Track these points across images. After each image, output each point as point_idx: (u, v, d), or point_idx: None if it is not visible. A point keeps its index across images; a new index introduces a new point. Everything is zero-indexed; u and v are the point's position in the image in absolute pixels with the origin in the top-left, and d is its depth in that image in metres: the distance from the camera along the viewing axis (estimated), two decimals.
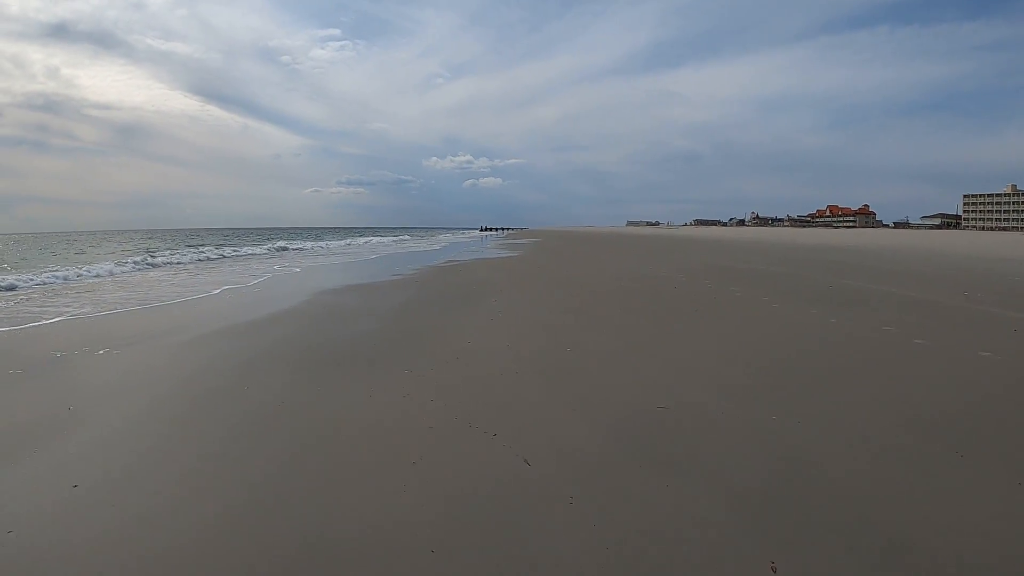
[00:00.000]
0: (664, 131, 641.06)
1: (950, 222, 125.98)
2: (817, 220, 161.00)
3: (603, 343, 6.95)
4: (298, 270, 20.56)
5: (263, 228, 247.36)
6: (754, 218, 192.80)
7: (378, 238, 62.48)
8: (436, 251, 34.88)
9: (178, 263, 22.97)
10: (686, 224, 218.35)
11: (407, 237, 72.94)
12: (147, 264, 21.26)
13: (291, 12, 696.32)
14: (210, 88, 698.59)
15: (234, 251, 30.12)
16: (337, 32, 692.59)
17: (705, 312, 9.17)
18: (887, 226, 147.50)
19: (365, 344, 7.16)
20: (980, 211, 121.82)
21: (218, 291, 13.60)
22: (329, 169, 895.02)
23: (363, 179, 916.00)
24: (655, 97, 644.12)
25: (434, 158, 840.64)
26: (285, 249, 32.54)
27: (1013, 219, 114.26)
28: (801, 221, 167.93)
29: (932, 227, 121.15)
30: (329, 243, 47.02)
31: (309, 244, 42.08)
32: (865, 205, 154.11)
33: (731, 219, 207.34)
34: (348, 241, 50.26)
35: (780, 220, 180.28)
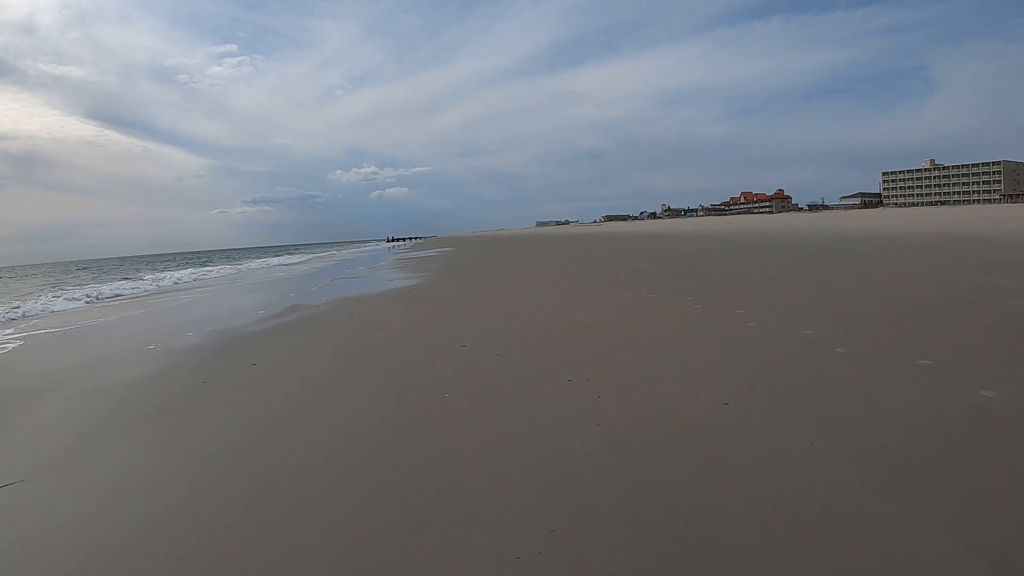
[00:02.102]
0: (569, 130, 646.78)
1: (870, 200, 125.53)
2: (732, 207, 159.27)
3: None
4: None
5: (168, 254, 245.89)
6: (666, 210, 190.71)
7: (279, 259, 53.98)
8: (291, 280, 22.66)
9: None
10: (595, 221, 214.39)
11: (335, 251, 70.16)
12: None
13: (186, 29, 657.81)
14: (107, 112, 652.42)
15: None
16: (234, 48, 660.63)
17: None
18: (802, 209, 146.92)
19: None
20: (900, 188, 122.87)
21: None
22: (234, 189, 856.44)
23: (269, 197, 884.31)
24: (558, 97, 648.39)
25: (339, 171, 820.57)
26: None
27: (935, 193, 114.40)
28: (716, 210, 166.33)
29: (853, 207, 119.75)
30: (221, 267, 40.85)
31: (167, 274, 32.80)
32: (780, 190, 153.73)
33: (642, 212, 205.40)
34: (235, 267, 40.22)
35: (693, 210, 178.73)
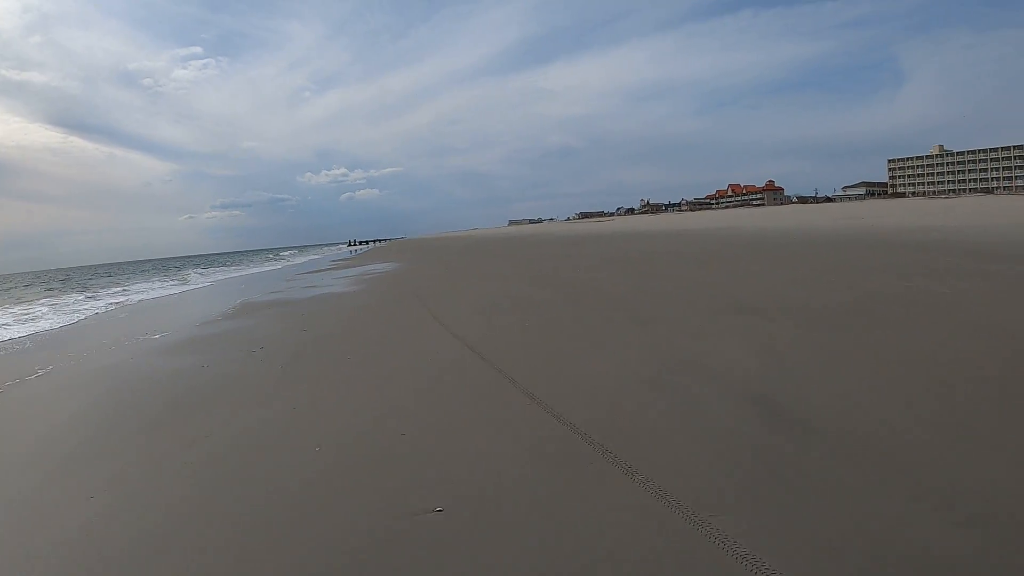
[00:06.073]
0: (539, 128, 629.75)
1: (876, 190, 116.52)
2: (721, 201, 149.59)
3: None
4: None
5: (138, 261, 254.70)
6: (645, 205, 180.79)
7: (218, 272, 47.17)
8: None
9: None
10: (569, 219, 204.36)
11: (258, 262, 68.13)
12: None
13: (149, 32, 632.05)
14: (71, 118, 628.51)
15: None
16: (199, 50, 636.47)
17: None
18: (793, 201, 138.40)
19: None
20: (908, 175, 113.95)
21: None
22: (202, 194, 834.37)
23: (238, 201, 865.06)
24: (528, 95, 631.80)
25: (308, 173, 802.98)
26: None
27: (948, 181, 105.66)
28: (701, 204, 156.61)
29: (859, 197, 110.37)
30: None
31: None
32: (770, 181, 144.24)
33: (618, 208, 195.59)
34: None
35: (676, 205, 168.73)
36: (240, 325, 12.99)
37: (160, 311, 19.67)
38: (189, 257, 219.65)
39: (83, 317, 18.71)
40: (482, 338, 8.58)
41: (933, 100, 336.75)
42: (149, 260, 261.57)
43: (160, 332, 13.07)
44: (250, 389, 7.11)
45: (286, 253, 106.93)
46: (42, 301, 28.95)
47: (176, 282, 37.87)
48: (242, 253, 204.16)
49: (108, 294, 30.35)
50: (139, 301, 24.26)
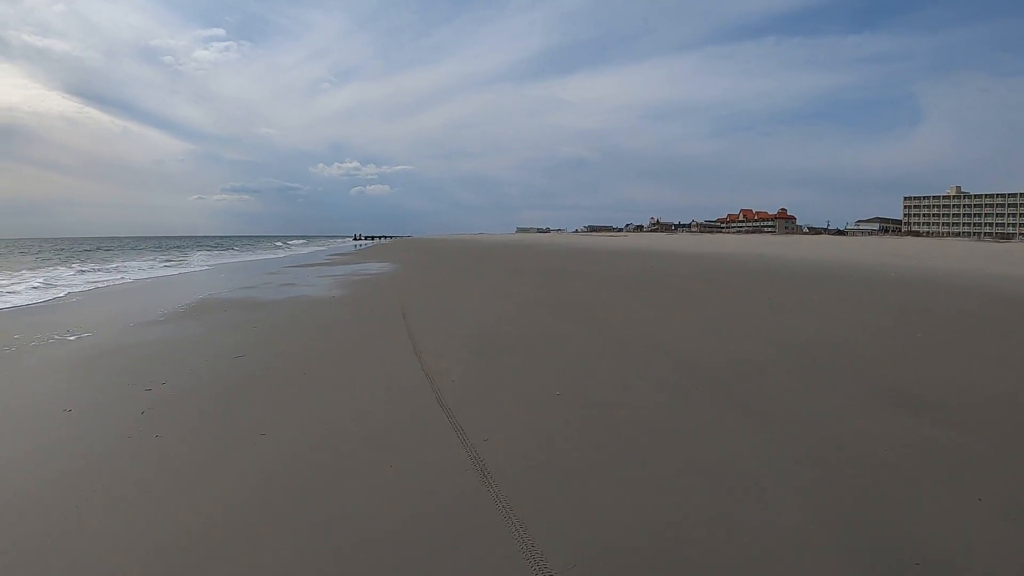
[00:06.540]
0: (553, 138, 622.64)
1: (889, 227, 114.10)
2: (732, 225, 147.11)
3: None
4: None
5: (144, 237, 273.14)
6: (655, 224, 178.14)
7: (218, 256, 47.53)
8: None
9: None
10: (577, 231, 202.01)
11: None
12: None
13: (174, 10, 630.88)
14: (89, 89, 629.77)
15: None
16: (221, 32, 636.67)
17: None
18: (805, 231, 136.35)
19: None
20: (924, 214, 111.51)
21: None
22: (214, 176, 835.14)
23: (249, 186, 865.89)
24: (545, 104, 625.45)
25: (321, 164, 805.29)
26: None
27: (963, 223, 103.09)
28: (711, 226, 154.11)
29: (873, 232, 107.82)
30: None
31: None
32: (783, 209, 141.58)
33: (627, 225, 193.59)
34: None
35: (686, 225, 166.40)
36: (175, 335, 9.90)
37: (122, 297, 17.14)
38: (196, 238, 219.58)
39: (52, 297, 16.22)
40: (483, 415, 5.42)
41: (948, 140, 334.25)
42: (155, 237, 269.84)
43: (86, 331, 10.17)
44: (72, 501, 3.92)
45: (294, 242, 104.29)
46: (24, 272, 26.91)
47: (173, 263, 35.58)
48: (251, 238, 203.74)
49: (100, 270, 28.43)
50: (121, 281, 22.32)
